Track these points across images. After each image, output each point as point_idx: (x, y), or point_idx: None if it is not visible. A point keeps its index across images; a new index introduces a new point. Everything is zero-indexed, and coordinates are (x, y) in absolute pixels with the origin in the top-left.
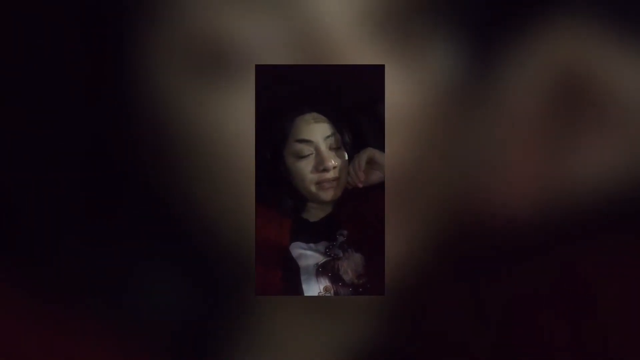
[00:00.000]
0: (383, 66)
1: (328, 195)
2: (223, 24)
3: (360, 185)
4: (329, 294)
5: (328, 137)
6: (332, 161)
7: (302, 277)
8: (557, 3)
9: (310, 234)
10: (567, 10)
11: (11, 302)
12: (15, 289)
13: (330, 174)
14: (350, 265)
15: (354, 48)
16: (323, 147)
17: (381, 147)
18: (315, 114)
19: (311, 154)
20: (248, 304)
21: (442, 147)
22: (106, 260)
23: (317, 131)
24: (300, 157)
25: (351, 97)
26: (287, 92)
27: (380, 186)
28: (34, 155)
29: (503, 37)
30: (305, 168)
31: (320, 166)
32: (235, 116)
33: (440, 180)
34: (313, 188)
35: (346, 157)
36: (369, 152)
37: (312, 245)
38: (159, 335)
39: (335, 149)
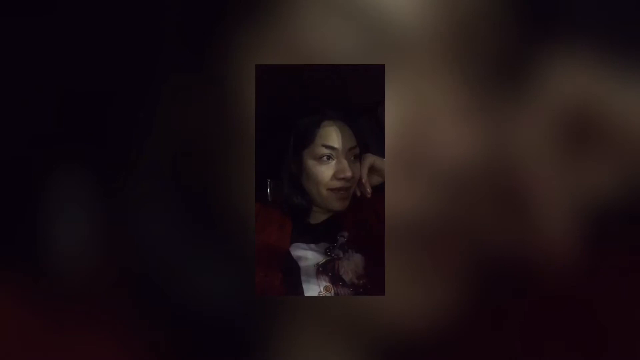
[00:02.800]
0: (383, 66)
1: (340, 204)
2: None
3: (369, 196)
4: (329, 294)
5: (352, 148)
6: (351, 172)
7: (303, 278)
8: (564, 39)
9: (311, 235)
10: (573, 45)
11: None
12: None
13: (347, 184)
14: (350, 266)
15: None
16: (345, 156)
17: (381, 147)
18: (341, 123)
19: (332, 160)
20: (248, 304)
21: (443, 147)
22: (107, 263)
23: (344, 140)
24: (322, 161)
25: (361, 100)
26: (306, 94)
27: (380, 188)
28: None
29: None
30: (325, 173)
31: (340, 174)
32: (236, 116)
33: (442, 179)
34: (325, 193)
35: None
36: (369, 159)
37: (312, 245)
38: (159, 334)
39: (353, 160)
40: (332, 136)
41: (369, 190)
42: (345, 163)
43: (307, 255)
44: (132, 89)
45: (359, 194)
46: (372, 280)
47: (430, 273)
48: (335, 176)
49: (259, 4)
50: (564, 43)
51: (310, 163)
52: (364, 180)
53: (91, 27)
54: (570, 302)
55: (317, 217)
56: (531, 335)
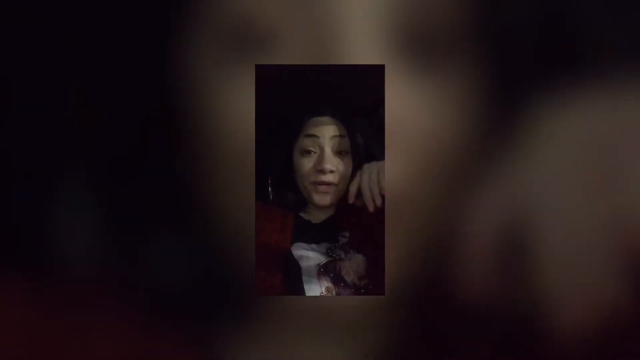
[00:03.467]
0: (383, 66)
1: (319, 199)
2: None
3: (372, 210)
4: (330, 295)
5: (334, 137)
6: (330, 164)
7: (304, 278)
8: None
9: (312, 235)
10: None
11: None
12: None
13: (328, 177)
14: (352, 266)
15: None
16: (328, 146)
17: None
18: (331, 118)
19: (316, 152)
20: (248, 304)
21: (443, 150)
22: (107, 263)
23: (326, 130)
24: (305, 153)
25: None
26: (305, 93)
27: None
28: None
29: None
30: (306, 165)
31: (318, 166)
32: (236, 115)
33: (441, 182)
34: (309, 188)
35: (351, 165)
36: (378, 167)
37: (313, 246)
38: (159, 333)
39: (341, 153)
40: (316, 127)
41: (378, 204)
42: (327, 154)
43: (309, 255)
44: (132, 89)
45: (360, 204)
46: (374, 281)
47: (430, 273)
48: (314, 168)
49: (259, 4)
50: (571, 40)
51: (297, 156)
52: (376, 194)
53: (91, 27)
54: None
55: (317, 216)
56: (531, 336)
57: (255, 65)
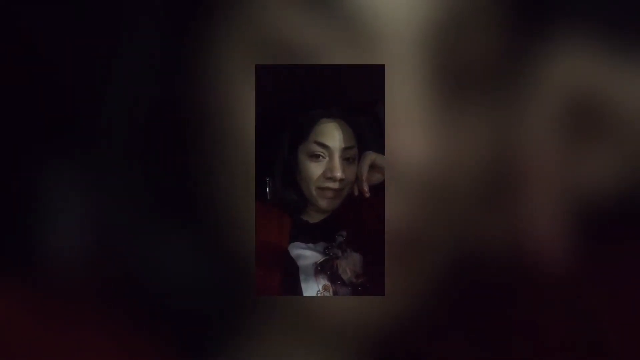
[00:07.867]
0: (383, 66)
1: (326, 204)
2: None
3: (367, 195)
4: (327, 293)
5: (347, 148)
6: (341, 173)
7: (301, 277)
8: (563, 25)
9: (310, 234)
10: (572, 32)
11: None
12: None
13: (336, 185)
14: (349, 265)
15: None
16: (337, 156)
17: (381, 148)
18: (341, 121)
19: (325, 158)
20: (248, 304)
21: (443, 147)
22: (103, 263)
23: (340, 139)
24: (313, 158)
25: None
26: (310, 91)
27: (380, 187)
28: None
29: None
30: (315, 170)
31: (329, 173)
32: (236, 116)
33: (441, 180)
34: (314, 192)
35: (356, 170)
36: (370, 157)
37: (311, 245)
38: (157, 333)
39: (349, 160)
40: (327, 134)
41: (366, 189)
42: (336, 162)
43: (306, 254)
44: (130, 88)
45: (357, 193)
46: (372, 280)
47: (430, 273)
48: (324, 175)
49: (259, 3)
50: (563, 34)
51: (303, 159)
52: (363, 178)
53: (91, 23)
54: (567, 307)
55: (315, 216)
56: (529, 337)
57: (255, 65)
